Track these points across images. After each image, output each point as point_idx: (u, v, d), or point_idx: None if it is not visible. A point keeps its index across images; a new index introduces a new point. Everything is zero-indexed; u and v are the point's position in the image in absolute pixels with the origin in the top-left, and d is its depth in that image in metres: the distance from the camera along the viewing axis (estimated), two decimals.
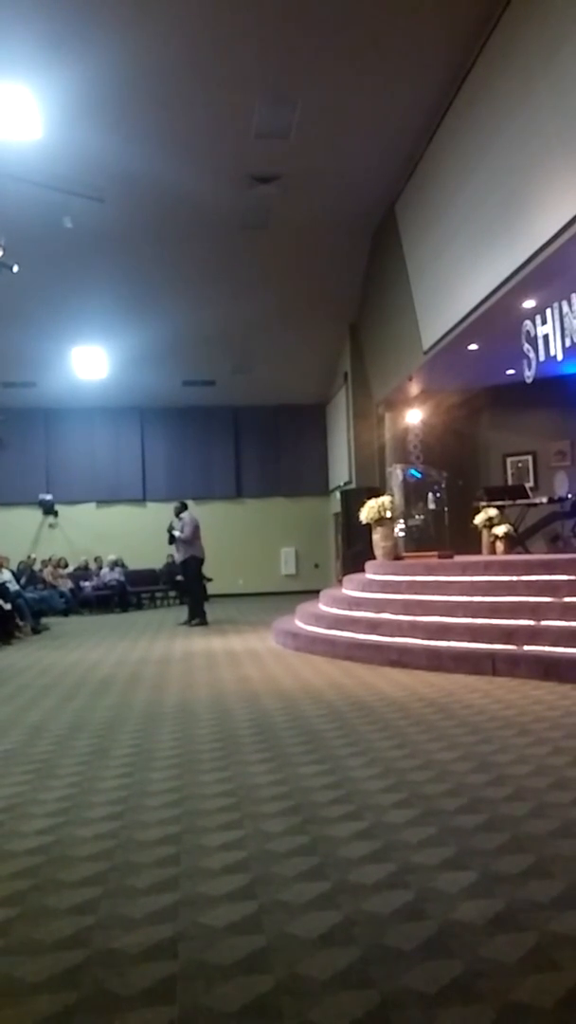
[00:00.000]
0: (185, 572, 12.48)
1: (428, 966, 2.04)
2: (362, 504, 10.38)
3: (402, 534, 11.48)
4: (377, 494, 11.40)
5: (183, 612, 13.04)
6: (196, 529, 12.21)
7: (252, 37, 9.07)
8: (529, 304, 9.98)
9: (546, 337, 9.84)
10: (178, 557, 12.44)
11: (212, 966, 2.08)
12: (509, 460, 14.96)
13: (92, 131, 10.39)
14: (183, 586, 12.88)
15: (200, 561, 12.52)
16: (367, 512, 10.11)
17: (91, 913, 2.43)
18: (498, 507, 11.94)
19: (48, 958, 2.17)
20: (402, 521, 11.49)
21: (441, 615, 7.65)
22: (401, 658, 7.14)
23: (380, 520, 10.10)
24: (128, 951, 2.19)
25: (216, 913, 2.39)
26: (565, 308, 9.36)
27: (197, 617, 12.23)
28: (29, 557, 16.94)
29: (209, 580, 18.20)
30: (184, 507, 12.58)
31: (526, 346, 10.32)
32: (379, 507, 10.03)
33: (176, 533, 12.23)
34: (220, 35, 9.02)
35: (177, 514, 12.42)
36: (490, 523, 11.70)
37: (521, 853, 2.75)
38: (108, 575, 17.09)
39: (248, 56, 9.37)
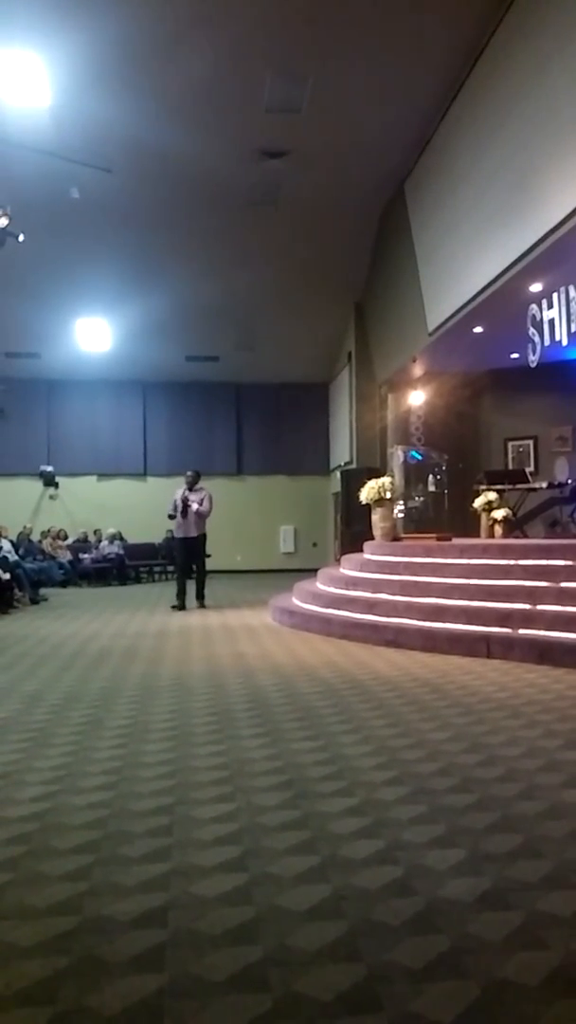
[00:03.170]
0: (199, 548, 11.27)
1: (415, 941, 2.06)
2: (362, 484, 10.38)
3: (401, 515, 11.49)
4: (378, 475, 11.40)
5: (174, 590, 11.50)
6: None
7: (265, 10, 8.97)
8: (536, 288, 9.94)
9: (552, 321, 9.81)
10: (192, 532, 11.03)
11: (201, 935, 2.11)
12: (510, 444, 14.94)
13: (101, 99, 10.29)
14: (190, 563, 11.35)
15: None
16: (367, 492, 10.11)
17: (83, 880, 2.46)
18: (498, 491, 11.94)
19: (40, 923, 2.19)
20: (402, 502, 11.49)
21: (438, 597, 7.67)
22: (396, 638, 7.17)
23: (380, 501, 10.10)
24: (119, 918, 2.21)
25: (207, 883, 2.41)
26: (572, 292, 9.33)
27: (201, 599, 11.22)
28: (25, 527, 16.94)
29: (208, 556, 18.30)
30: (198, 477, 11.34)
31: (531, 330, 10.29)
32: (379, 488, 10.03)
33: (195, 506, 10.96)
34: (233, 6, 8.91)
35: (191, 485, 11.12)
36: (489, 507, 11.71)
37: (510, 833, 2.78)
38: (107, 548, 17.11)
39: (261, 29, 9.27)
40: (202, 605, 11.11)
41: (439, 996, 1.83)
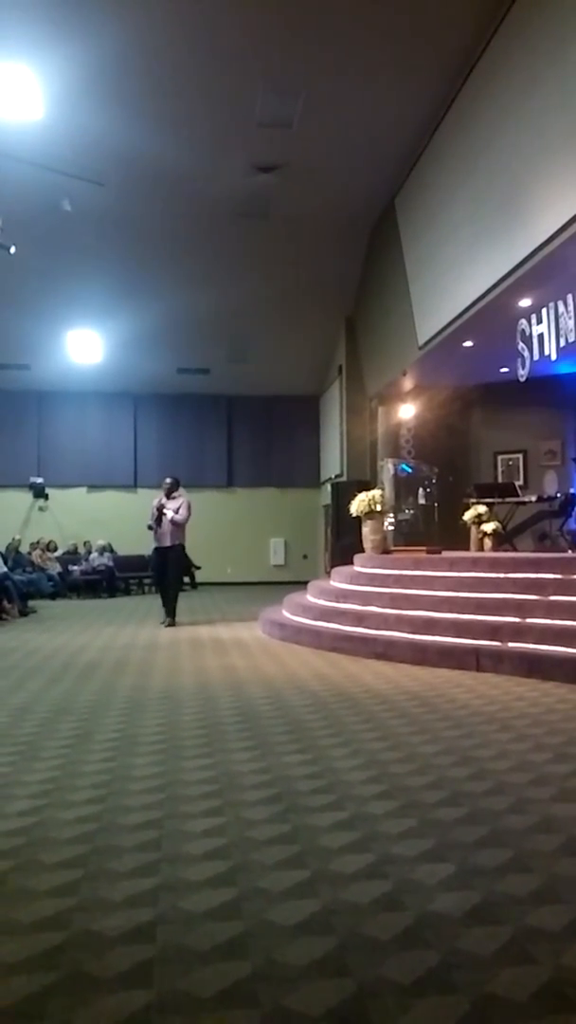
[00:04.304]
0: (172, 560, 10.50)
1: (404, 956, 2.06)
2: (352, 497, 10.39)
3: (391, 528, 11.50)
4: (368, 487, 11.42)
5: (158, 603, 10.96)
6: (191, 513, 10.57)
7: (257, 24, 9.03)
8: (525, 303, 9.99)
9: (541, 336, 9.86)
10: (165, 542, 10.35)
11: (190, 951, 2.10)
12: (500, 458, 15.01)
13: (93, 113, 10.33)
14: (166, 576, 10.63)
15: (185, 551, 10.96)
16: (357, 505, 10.12)
17: (71, 895, 2.44)
18: (487, 504, 11.98)
19: (27, 939, 2.18)
20: (392, 515, 11.50)
21: (427, 610, 7.68)
22: (386, 651, 7.16)
23: (370, 513, 10.11)
24: (107, 934, 2.20)
25: (195, 898, 2.40)
26: (561, 308, 9.38)
27: (172, 614, 10.47)
28: (15, 539, 16.88)
29: (198, 568, 18.26)
30: (178, 484, 10.65)
31: (520, 345, 10.34)
32: (370, 500, 10.05)
33: (170, 514, 10.26)
34: (225, 20, 8.97)
35: (169, 492, 10.45)
36: (479, 520, 11.74)
37: (500, 847, 2.77)
38: (97, 560, 17.05)
39: (253, 43, 9.33)
40: (172, 622, 10.36)
41: (429, 1011, 1.82)
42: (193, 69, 9.78)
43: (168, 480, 10.70)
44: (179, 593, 10.81)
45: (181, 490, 10.73)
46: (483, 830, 2.94)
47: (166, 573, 10.63)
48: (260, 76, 9.88)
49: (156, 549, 10.60)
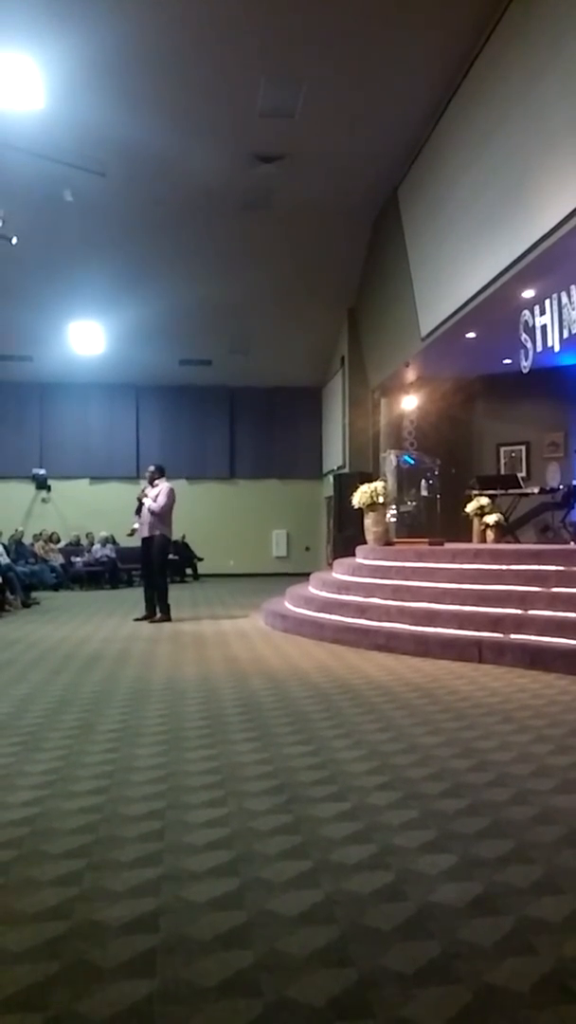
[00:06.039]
0: (150, 553, 9.98)
1: (406, 947, 2.06)
2: (355, 489, 10.39)
3: (394, 520, 11.49)
4: (370, 479, 11.41)
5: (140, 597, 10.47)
6: (173, 501, 9.99)
7: (259, 15, 8.99)
8: (528, 294, 9.98)
9: (544, 327, 9.85)
10: (145, 532, 9.94)
11: (193, 941, 2.10)
12: (503, 449, 15.00)
13: (95, 103, 10.30)
14: (149, 567, 10.09)
15: (169, 542, 10.33)
16: (360, 497, 10.12)
17: (74, 885, 2.45)
18: (490, 496, 11.96)
19: (30, 928, 2.18)
20: (394, 507, 11.49)
21: (429, 601, 7.68)
22: (388, 642, 7.17)
23: (372, 505, 10.11)
24: (110, 924, 2.20)
25: (198, 888, 2.41)
26: (564, 299, 9.36)
27: (162, 611, 9.93)
28: (17, 530, 16.89)
29: (200, 559, 18.28)
30: (161, 472, 10.21)
31: (524, 336, 10.32)
32: (372, 492, 10.04)
33: (147, 503, 9.89)
34: (227, 11, 8.94)
35: (151, 480, 10.12)
36: (481, 512, 11.73)
37: (501, 838, 2.78)
38: (99, 551, 17.08)
39: (255, 34, 9.29)
40: (165, 618, 9.87)
41: (430, 1001, 1.83)
42: (195, 59, 9.75)
43: (151, 468, 10.39)
44: (166, 585, 10.17)
45: (162, 478, 10.21)
46: (484, 821, 2.94)
47: (149, 565, 10.11)
48: (262, 66, 9.85)
49: (142, 540, 10.10)
